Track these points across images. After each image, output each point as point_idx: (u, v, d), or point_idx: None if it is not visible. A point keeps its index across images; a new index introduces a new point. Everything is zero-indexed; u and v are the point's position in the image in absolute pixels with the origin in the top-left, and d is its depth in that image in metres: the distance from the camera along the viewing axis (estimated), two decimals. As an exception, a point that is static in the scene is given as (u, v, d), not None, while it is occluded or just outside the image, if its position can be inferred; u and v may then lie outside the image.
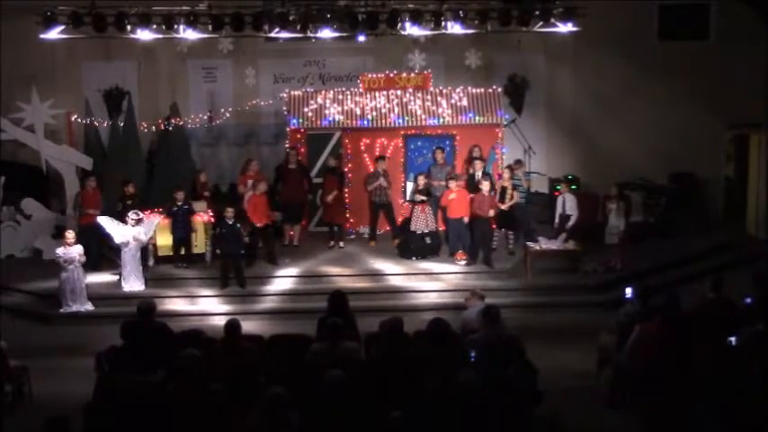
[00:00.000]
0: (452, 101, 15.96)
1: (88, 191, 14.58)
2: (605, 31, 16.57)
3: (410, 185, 15.26)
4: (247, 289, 13.45)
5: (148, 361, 8.21)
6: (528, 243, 13.99)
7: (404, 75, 16.36)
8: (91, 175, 15.14)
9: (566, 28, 14.03)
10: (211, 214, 14.47)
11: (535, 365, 8.01)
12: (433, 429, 6.81)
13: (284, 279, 13.76)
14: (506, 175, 14.32)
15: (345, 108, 15.94)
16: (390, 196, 15.11)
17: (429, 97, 16.04)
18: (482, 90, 16.08)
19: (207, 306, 13.19)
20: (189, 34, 13.91)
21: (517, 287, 13.45)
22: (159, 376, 7.79)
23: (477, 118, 15.75)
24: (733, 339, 8.60)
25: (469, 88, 16.16)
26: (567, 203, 14.26)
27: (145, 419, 7.10)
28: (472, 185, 14.25)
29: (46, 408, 8.73)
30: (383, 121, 15.81)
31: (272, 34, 13.93)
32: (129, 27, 13.49)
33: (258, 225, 13.87)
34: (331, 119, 15.84)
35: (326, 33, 13.86)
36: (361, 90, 16.14)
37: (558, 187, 15.15)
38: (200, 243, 14.39)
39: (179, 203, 14.07)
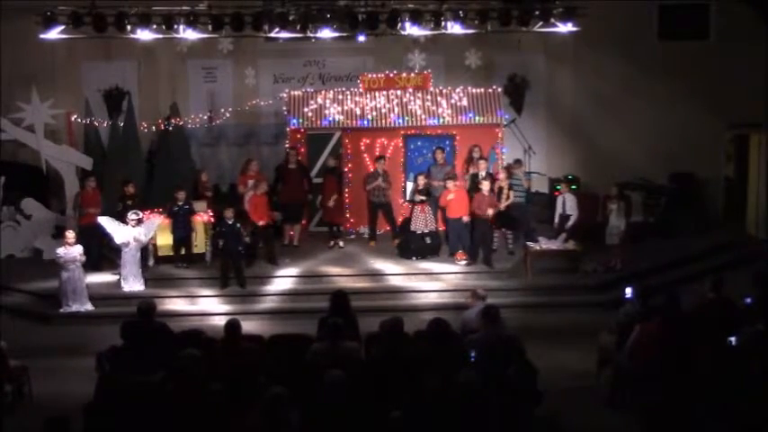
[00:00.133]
0: (452, 101, 15.96)
1: (88, 191, 14.58)
2: (605, 31, 16.57)
3: (410, 185, 15.26)
4: (247, 289, 13.45)
5: (148, 361, 8.20)
6: (528, 243, 13.99)
7: (404, 75, 16.36)
8: (91, 175, 15.15)
9: (566, 28, 14.02)
10: (211, 214, 14.48)
11: (535, 365, 8.01)
12: (433, 429, 6.81)
13: (284, 279, 13.76)
14: (502, 175, 14.33)
15: (345, 108, 15.94)
16: (389, 196, 15.11)
17: (429, 97, 16.04)
18: (482, 90, 16.08)
19: (207, 306, 13.19)
20: (189, 34, 13.91)
21: (517, 287, 13.45)
22: (159, 376, 7.79)
23: (477, 118, 15.75)
24: (733, 339, 8.59)
25: (469, 88, 16.16)
26: (567, 203, 14.27)
27: (145, 419, 7.10)
28: (475, 185, 14.25)
29: (46, 408, 8.72)
30: (383, 121, 15.81)
31: (272, 34, 13.93)
32: (129, 27, 13.49)
33: (260, 223, 13.86)
34: (331, 119, 15.84)
35: (326, 33, 13.86)
36: (361, 90, 16.14)
37: (558, 187, 15.15)
38: (200, 243, 14.39)
39: (180, 203, 14.07)
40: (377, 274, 13.82)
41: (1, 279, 14.03)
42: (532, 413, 7.58)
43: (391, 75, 16.27)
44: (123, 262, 13.29)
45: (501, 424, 6.98)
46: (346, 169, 15.81)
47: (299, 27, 13.66)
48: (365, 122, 15.82)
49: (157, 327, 9.03)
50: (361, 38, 14.48)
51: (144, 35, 13.82)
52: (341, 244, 15.11)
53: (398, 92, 16.08)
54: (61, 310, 12.83)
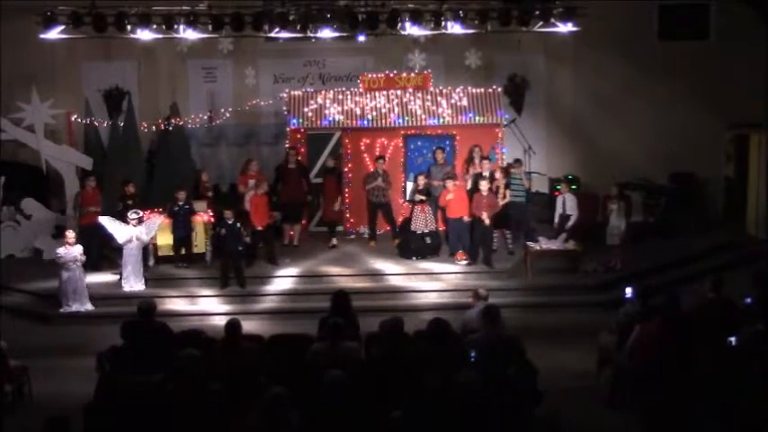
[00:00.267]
0: (452, 101, 15.97)
1: (88, 191, 14.60)
2: (605, 31, 16.57)
3: (410, 185, 15.26)
4: (247, 289, 13.45)
5: (148, 361, 8.20)
6: (528, 243, 13.99)
7: (404, 75, 16.37)
8: (90, 174, 15.15)
9: (566, 28, 14.02)
10: (211, 214, 14.48)
11: (535, 365, 8.01)
12: (433, 429, 6.81)
13: (284, 279, 13.76)
14: (498, 174, 14.33)
15: (345, 108, 15.94)
16: (389, 196, 15.11)
17: (429, 97, 16.05)
18: (482, 90, 16.09)
19: (207, 306, 13.19)
20: (189, 34, 13.91)
21: (517, 287, 13.45)
22: (159, 376, 7.78)
23: (477, 118, 15.75)
24: (733, 339, 8.59)
25: (469, 88, 16.16)
26: (567, 203, 14.26)
27: (145, 419, 7.10)
28: (477, 186, 14.22)
29: (46, 408, 8.72)
30: (383, 121, 15.81)
31: (272, 34, 13.93)
32: (129, 27, 13.49)
33: (259, 228, 13.87)
34: (331, 119, 15.84)
35: (326, 33, 13.86)
36: (361, 90, 16.15)
37: (558, 187, 15.15)
38: (200, 243, 14.39)
39: (180, 203, 14.08)
40: (377, 274, 13.82)
41: (1, 279, 14.03)
42: (532, 413, 7.57)
43: (391, 75, 16.27)
44: (125, 262, 13.30)
45: (501, 424, 6.98)
46: (346, 169, 15.82)
47: (299, 27, 13.66)
48: (365, 122, 15.82)
49: (157, 327, 9.03)
50: (361, 38, 14.48)
51: (144, 35, 13.82)
52: (334, 242, 15.11)
53: (398, 92, 16.08)
54: (61, 310, 12.84)
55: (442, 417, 6.80)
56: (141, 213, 13.57)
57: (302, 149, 15.78)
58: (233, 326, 8.36)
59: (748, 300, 9.49)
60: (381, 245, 15.09)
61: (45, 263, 14.75)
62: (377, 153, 15.53)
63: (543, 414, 7.68)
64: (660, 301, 9.21)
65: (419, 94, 16.05)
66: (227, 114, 17.17)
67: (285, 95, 16.24)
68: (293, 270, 13.99)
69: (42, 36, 13.76)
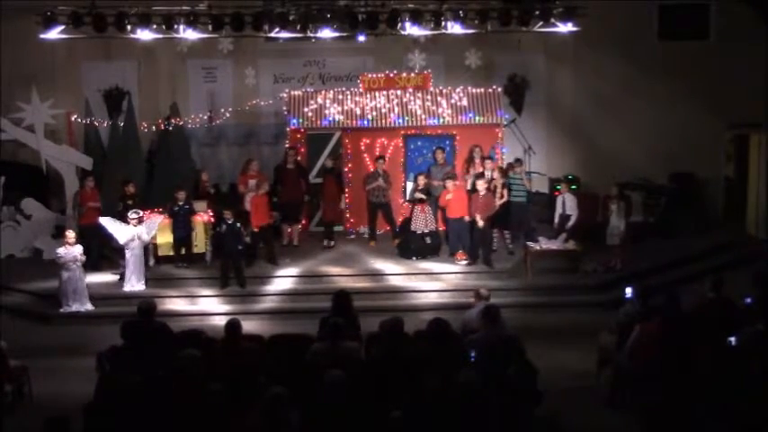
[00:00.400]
0: (452, 101, 15.97)
1: (86, 190, 14.61)
2: (605, 31, 16.58)
3: (410, 185, 15.26)
4: (247, 289, 13.45)
5: (148, 361, 8.20)
6: (528, 243, 13.99)
7: (404, 75, 16.37)
8: (89, 174, 15.16)
9: (566, 28, 14.02)
10: (211, 214, 14.48)
11: (535, 365, 8.01)
12: (433, 429, 6.81)
13: (284, 279, 13.76)
14: (496, 174, 14.33)
15: (345, 108, 15.94)
16: (389, 196, 15.12)
17: (429, 97, 16.05)
18: (482, 90, 16.09)
19: (207, 306, 13.19)
20: (189, 34, 13.90)
21: (517, 287, 13.45)
22: (159, 376, 7.78)
23: (477, 118, 15.75)
24: (733, 339, 8.59)
25: (469, 88, 16.16)
26: (567, 203, 14.26)
27: (145, 420, 7.10)
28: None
29: (46, 408, 8.72)
30: (383, 121, 15.81)
31: (272, 34, 13.92)
32: (129, 27, 13.48)
33: (255, 230, 13.86)
34: (331, 119, 15.84)
35: (326, 33, 13.85)
36: (361, 90, 16.15)
37: (558, 187, 15.14)
38: (200, 243, 14.39)
39: (180, 203, 14.08)
40: (377, 274, 13.82)
41: (1, 279, 14.04)
42: (532, 413, 7.57)
43: (391, 75, 16.28)
44: (127, 262, 13.30)
45: (501, 424, 6.98)
46: (346, 169, 15.82)
47: (299, 27, 13.65)
48: (365, 122, 15.82)
49: (157, 327, 9.02)
50: (361, 38, 14.47)
51: (144, 35, 13.82)
52: (325, 244, 15.10)
53: (398, 92, 16.08)
54: (61, 310, 12.84)
55: (442, 417, 6.80)
56: (141, 213, 13.58)
57: (302, 149, 15.79)
58: (233, 326, 8.36)
59: (748, 300, 9.49)
60: (381, 245, 15.09)
61: (45, 263, 14.76)
62: (377, 153, 15.53)
63: (543, 414, 7.68)
64: (660, 301, 9.21)
65: (419, 94, 16.05)
66: (227, 114, 17.17)
67: (285, 95, 16.24)
68: (293, 270, 13.99)
69: (42, 36, 13.76)
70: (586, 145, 17.42)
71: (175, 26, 13.51)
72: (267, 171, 15.80)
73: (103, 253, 14.48)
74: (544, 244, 13.90)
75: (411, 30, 13.90)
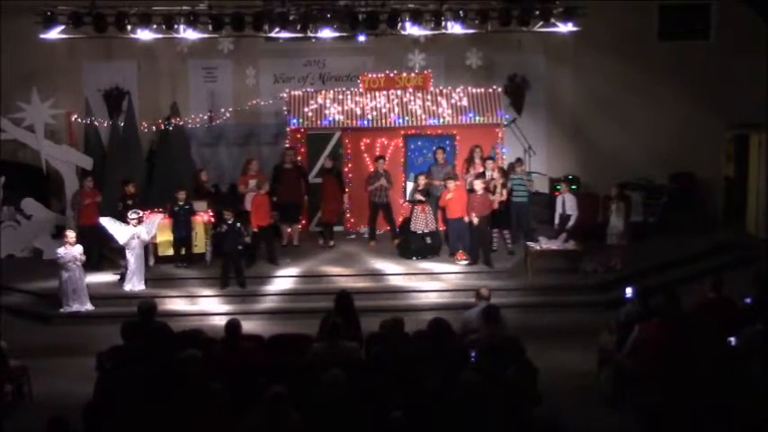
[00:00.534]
0: (452, 101, 15.97)
1: (85, 190, 14.62)
2: (605, 31, 16.58)
3: (410, 185, 15.26)
4: (247, 289, 13.45)
5: (149, 361, 8.20)
6: (528, 243, 13.99)
7: (404, 75, 16.37)
8: (88, 174, 15.16)
9: (566, 28, 14.03)
10: (211, 214, 14.48)
11: (535, 365, 8.01)
12: (433, 429, 6.81)
13: (284, 279, 13.76)
14: (495, 174, 14.33)
15: (345, 108, 15.94)
16: (390, 196, 15.12)
17: (429, 97, 16.05)
18: (482, 90, 16.09)
19: (207, 306, 13.19)
20: (189, 34, 13.91)
21: (517, 287, 13.44)
22: (159, 376, 7.78)
23: (477, 118, 15.75)
24: (733, 339, 8.60)
25: (469, 88, 16.16)
26: (567, 203, 14.26)
27: (145, 420, 7.10)
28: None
29: (46, 408, 8.71)
30: (383, 121, 15.81)
31: (272, 34, 13.93)
32: (129, 27, 13.50)
33: (255, 230, 13.86)
34: (331, 119, 15.84)
35: (326, 33, 13.86)
36: (361, 90, 16.15)
37: (558, 187, 15.15)
38: (200, 243, 14.39)
39: (180, 203, 14.08)
40: (377, 274, 13.82)
41: (1, 279, 14.04)
42: (532, 413, 7.57)
43: (391, 75, 16.28)
44: (129, 262, 13.31)
45: (501, 424, 6.98)
46: (346, 169, 15.82)
47: (299, 27, 13.66)
48: (365, 122, 15.82)
49: (158, 327, 9.02)
50: (361, 38, 14.48)
51: (144, 35, 13.82)
52: (331, 243, 15.12)
53: (398, 92, 16.08)
54: (61, 310, 12.84)
55: (442, 417, 6.80)
56: (141, 213, 13.58)
57: (302, 149, 15.79)
58: (233, 326, 8.37)
59: (748, 300, 9.50)
60: (381, 245, 15.09)
61: (45, 263, 14.77)
62: (377, 153, 15.53)
63: (543, 414, 7.68)
64: (660, 301, 9.21)
65: (419, 94, 16.05)
66: (227, 114, 17.17)
67: (285, 95, 16.23)
68: (293, 270, 13.99)
69: (42, 36, 13.77)
70: (586, 145, 17.42)
71: (175, 26, 13.52)
72: (267, 171, 15.79)
73: (103, 253, 14.48)
74: (544, 244, 13.89)
75: (411, 30, 13.90)
